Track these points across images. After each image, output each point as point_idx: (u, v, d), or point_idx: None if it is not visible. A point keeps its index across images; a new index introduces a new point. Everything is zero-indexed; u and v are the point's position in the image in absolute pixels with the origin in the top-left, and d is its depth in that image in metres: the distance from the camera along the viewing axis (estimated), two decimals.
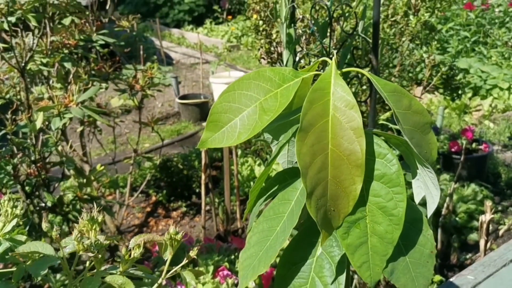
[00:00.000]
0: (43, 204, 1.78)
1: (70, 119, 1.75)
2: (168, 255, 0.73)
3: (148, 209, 2.98)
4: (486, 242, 2.15)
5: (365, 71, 0.69)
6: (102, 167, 1.91)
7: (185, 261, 0.78)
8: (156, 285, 0.77)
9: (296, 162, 0.89)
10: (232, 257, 1.67)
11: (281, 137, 0.85)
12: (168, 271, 0.76)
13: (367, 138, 0.62)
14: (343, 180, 0.62)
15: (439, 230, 2.40)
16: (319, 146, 0.61)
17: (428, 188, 0.69)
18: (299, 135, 0.61)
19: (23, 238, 0.96)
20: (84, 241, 0.63)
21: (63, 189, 2.65)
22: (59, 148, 1.79)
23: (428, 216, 0.70)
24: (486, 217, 2.09)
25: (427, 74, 2.03)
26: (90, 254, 0.64)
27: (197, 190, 3.12)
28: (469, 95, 4.05)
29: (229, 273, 1.53)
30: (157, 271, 1.61)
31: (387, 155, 0.64)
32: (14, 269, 0.92)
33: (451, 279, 1.38)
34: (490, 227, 2.19)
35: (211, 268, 1.55)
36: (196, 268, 1.55)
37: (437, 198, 0.67)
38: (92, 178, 1.83)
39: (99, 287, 0.68)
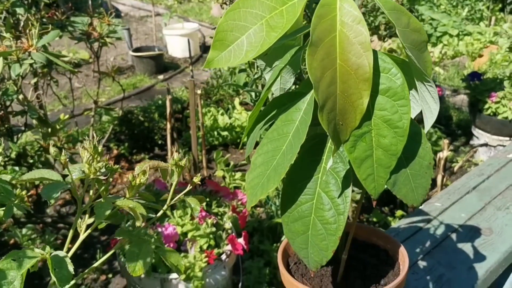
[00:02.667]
0: (7, 156, 1.71)
1: (31, 65, 1.66)
2: (174, 180, 0.73)
3: (111, 162, 2.92)
4: (443, 177, 2.28)
5: None
6: (66, 117, 1.85)
7: (189, 187, 0.79)
8: (160, 212, 0.78)
9: (289, 89, 0.90)
10: (208, 199, 1.69)
11: (275, 62, 0.86)
12: (172, 198, 0.77)
13: (372, 54, 0.64)
14: (350, 94, 0.64)
15: None
16: (328, 61, 0.62)
17: (427, 103, 0.72)
18: (309, 50, 0.61)
19: (7, 177, 0.93)
20: (95, 164, 0.62)
21: (21, 144, 2.54)
22: (20, 97, 1.71)
23: (426, 130, 0.74)
24: (443, 154, 2.21)
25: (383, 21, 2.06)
26: (102, 178, 0.64)
27: (159, 142, 3.09)
28: None
29: (207, 213, 1.56)
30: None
31: (391, 70, 0.66)
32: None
33: (420, 207, 1.46)
34: (445, 166, 2.32)
35: (189, 210, 1.56)
36: (175, 211, 1.56)
37: (436, 111, 0.70)
38: (57, 127, 1.77)
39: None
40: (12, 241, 2.19)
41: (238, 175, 2.53)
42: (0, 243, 2.18)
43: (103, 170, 0.65)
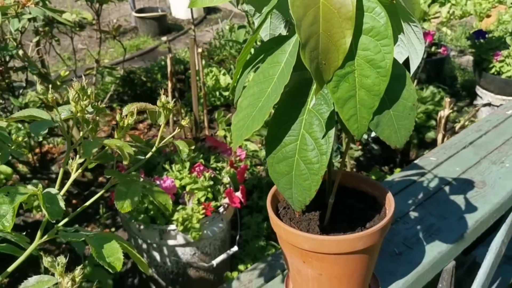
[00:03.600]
0: (9, 112, 1.73)
1: (29, 20, 1.66)
2: (162, 121, 0.75)
3: (114, 122, 2.95)
4: (444, 136, 2.28)
5: None
6: (67, 73, 1.86)
7: (177, 130, 0.80)
8: (149, 154, 0.80)
9: (279, 34, 0.90)
10: (207, 155, 1.71)
11: (264, 8, 0.85)
12: (160, 141, 0.78)
13: None
14: (333, 33, 0.64)
15: None
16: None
17: (412, 44, 0.72)
18: None
19: (4, 124, 0.95)
20: (82, 102, 0.64)
21: (23, 100, 2.57)
22: (20, 52, 1.71)
23: (412, 72, 0.74)
24: (445, 112, 2.21)
25: None
26: (88, 116, 0.65)
27: None
28: (429, 2, 4.08)
29: (205, 168, 1.58)
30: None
31: (375, 9, 0.66)
32: None
33: (415, 161, 1.48)
34: (447, 126, 2.32)
35: (187, 164, 1.59)
36: (173, 165, 1.59)
37: (421, 52, 0.71)
38: (58, 83, 1.78)
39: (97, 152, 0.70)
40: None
41: None
42: None
43: (90, 109, 0.66)
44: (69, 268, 0.66)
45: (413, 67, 0.73)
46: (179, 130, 0.80)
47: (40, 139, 0.68)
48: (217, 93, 3.01)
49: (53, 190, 0.68)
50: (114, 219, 2.09)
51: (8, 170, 2.17)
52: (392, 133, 0.72)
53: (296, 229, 0.88)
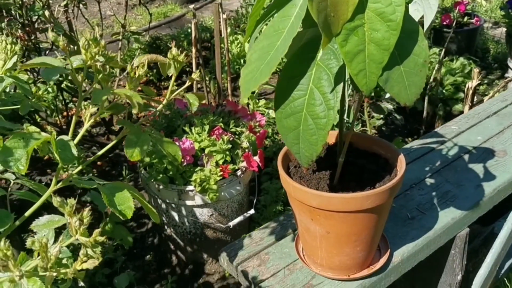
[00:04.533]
0: (36, 72, 1.78)
1: None
2: (172, 72, 0.76)
3: (139, 87, 2.99)
4: (470, 108, 2.22)
5: None
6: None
7: (188, 84, 0.81)
8: (160, 106, 0.81)
9: None
10: (226, 119, 1.72)
11: None
12: (172, 92, 0.79)
13: None
14: None
15: (425, 101, 2.47)
16: None
17: (427, 0, 0.70)
18: None
19: (25, 77, 0.98)
20: (91, 50, 0.65)
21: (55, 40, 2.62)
22: (46, 13, 1.74)
23: (426, 27, 0.72)
24: (472, 84, 2.15)
25: None
26: (98, 64, 0.66)
27: (187, 69, 3.11)
28: None
29: (224, 131, 1.59)
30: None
31: None
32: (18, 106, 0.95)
33: (436, 129, 1.45)
34: (476, 98, 2.26)
35: (206, 127, 1.60)
36: (193, 128, 1.60)
37: (435, 7, 0.69)
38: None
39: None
40: (46, 157, 2.32)
41: (262, 102, 2.54)
42: (35, 158, 2.30)
43: (101, 58, 0.68)
44: (92, 225, 0.68)
45: (427, 22, 0.71)
46: (189, 83, 0.80)
47: (51, 83, 0.69)
48: (242, 60, 3.00)
49: (66, 137, 0.71)
50: (137, 181, 2.14)
51: (37, 130, 2.23)
52: (402, 90, 0.71)
53: (305, 186, 0.89)
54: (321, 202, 0.84)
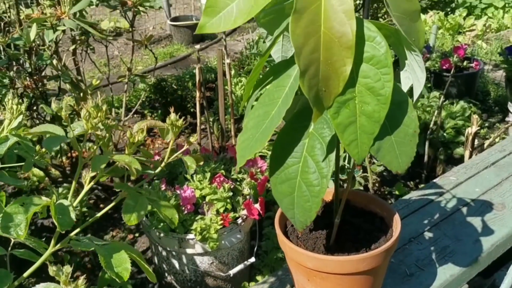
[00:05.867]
0: (42, 118, 1.82)
1: (64, 31, 1.74)
2: (170, 138, 0.78)
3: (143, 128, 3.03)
4: (471, 154, 2.24)
5: None
6: (98, 82, 1.93)
7: (186, 146, 0.83)
8: (158, 169, 0.83)
9: (289, 57, 0.92)
10: (228, 165, 1.74)
11: (275, 31, 0.88)
12: (170, 156, 0.82)
13: (357, 23, 0.65)
14: (334, 61, 0.66)
15: (427, 145, 2.48)
16: (312, 28, 0.64)
17: (415, 72, 0.73)
18: (293, 17, 0.63)
19: (29, 135, 1.00)
20: (92, 121, 0.68)
21: (58, 107, 2.67)
22: (54, 62, 1.80)
23: (415, 99, 0.75)
24: (472, 129, 2.17)
25: None
26: (98, 133, 0.69)
27: (192, 110, 3.16)
28: (464, 14, 4.01)
29: (225, 179, 1.61)
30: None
31: (376, 38, 0.67)
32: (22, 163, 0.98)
33: (434, 180, 1.46)
34: (476, 142, 2.27)
35: (208, 175, 1.62)
36: (194, 175, 1.62)
37: (423, 80, 0.71)
38: (89, 92, 1.86)
39: (108, 167, 0.74)
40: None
41: None
42: None
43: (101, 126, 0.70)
44: (93, 270, 0.70)
45: (416, 94, 0.74)
46: (187, 146, 0.83)
47: (52, 153, 0.73)
48: (246, 102, 3.05)
49: (66, 202, 0.73)
50: (138, 224, 2.15)
51: (41, 173, 2.26)
52: (393, 159, 0.73)
53: (302, 247, 0.90)
54: (316, 264, 0.85)
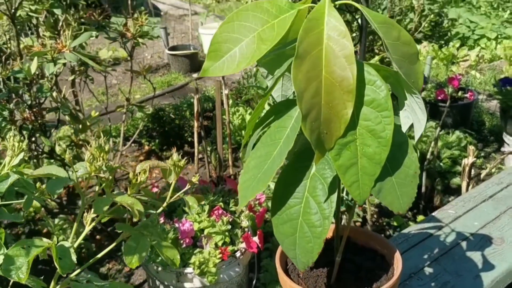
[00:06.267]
0: (40, 150, 1.82)
1: (64, 64, 1.76)
2: (172, 179, 0.79)
3: (142, 158, 3.03)
4: (468, 184, 2.24)
5: (357, 4, 0.73)
6: (97, 113, 1.94)
7: (187, 187, 0.84)
8: (160, 209, 0.83)
9: (290, 96, 0.94)
10: (226, 197, 1.74)
11: (276, 71, 0.89)
12: (171, 196, 0.82)
13: (358, 66, 0.67)
14: (335, 105, 0.67)
15: (424, 175, 2.49)
16: (313, 73, 0.65)
17: (415, 114, 0.74)
18: (295, 62, 0.65)
19: (29, 171, 1.01)
20: (96, 163, 0.68)
21: (56, 139, 2.67)
22: (54, 94, 1.81)
23: (416, 140, 0.76)
24: (468, 160, 2.18)
25: (415, 19, 2.05)
26: (102, 175, 0.69)
27: (189, 139, 3.17)
28: (457, 45, 4.08)
29: (224, 212, 1.61)
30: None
31: (376, 82, 0.69)
32: (22, 200, 0.97)
33: (433, 213, 1.47)
34: (473, 172, 2.28)
35: (206, 208, 1.61)
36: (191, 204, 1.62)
37: (424, 121, 0.73)
38: (88, 123, 1.86)
39: (110, 207, 0.74)
40: (45, 230, 2.31)
41: None
42: (34, 231, 2.30)
43: (104, 168, 0.71)
44: None
45: (417, 135, 0.75)
46: (189, 186, 0.83)
47: (55, 196, 0.72)
48: (243, 132, 3.06)
49: (67, 244, 0.72)
50: None
51: (37, 204, 2.25)
52: (395, 200, 0.73)
53: (303, 286, 0.89)
54: None
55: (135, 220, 0.72)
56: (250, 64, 0.68)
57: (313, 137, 0.66)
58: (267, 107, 1.10)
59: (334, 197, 0.73)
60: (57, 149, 0.70)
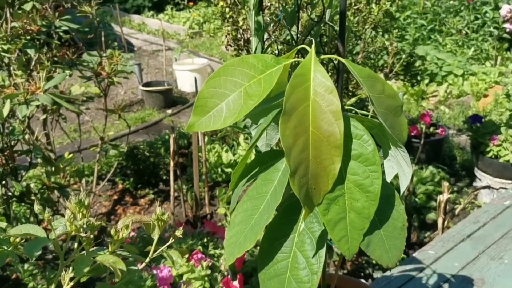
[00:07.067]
0: (11, 193, 1.75)
1: (37, 106, 1.72)
2: (155, 235, 0.76)
3: (115, 197, 2.96)
4: (444, 220, 2.27)
5: (342, 59, 0.74)
6: (71, 155, 1.90)
7: (171, 241, 0.81)
8: (142, 265, 0.80)
9: (273, 145, 0.93)
10: (205, 240, 1.71)
11: (260, 120, 0.89)
12: (154, 251, 0.79)
13: (345, 121, 0.67)
14: (323, 160, 0.66)
15: None
16: (301, 128, 0.65)
17: (401, 166, 0.74)
18: (282, 118, 0.64)
19: (3, 225, 0.96)
20: (76, 222, 0.65)
21: (26, 179, 2.60)
22: (26, 136, 1.76)
23: (402, 193, 0.76)
24: (443, 197, 2.21)
25: (390, 61, 2.11)
26: (83, 235, 0.66)
27: (164, 177, 3.13)
28: (426, 81, 4.21)
29: (203, 256, 1.57)
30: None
31: (363, 136, 0.69)
32: None
33: (413, 254, 1.47)
34: (447, 207, 2.32)
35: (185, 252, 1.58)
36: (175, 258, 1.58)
37: (409, 175, 0.73)
38: (61, 166, 1.82)
39: (90, 266, 0.71)
40: (14, 276, 2.21)
41: None
42: (2, 277, 2.20)
43: (85, 226, 0.68)
44: None
45: (402, 188, 0.75)
46: (173, 240, 0.80)
47: (33, 258, 0.68)
48: (219, 169, 3.05)
49: None
50: None
51: None
52: (384, 253, 0.72)
53: None
54: None
55: (116, 279, 0.69)
56: (237, 119, 0.67)
57: (302, 193, 0.65)
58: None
59: (323, 252, 0.72)
60: (36, 208, 0.67)
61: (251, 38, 1.80)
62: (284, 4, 1.98)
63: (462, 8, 5.24)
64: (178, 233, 0.81)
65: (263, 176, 0.76)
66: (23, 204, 1.88)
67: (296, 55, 0.98)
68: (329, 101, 0.66)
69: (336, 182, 0.68)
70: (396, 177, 0.81)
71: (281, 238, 0.75)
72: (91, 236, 0.69)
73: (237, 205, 0.78)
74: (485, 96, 3.91)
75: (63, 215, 2.10)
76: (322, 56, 0.73)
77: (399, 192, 0.76)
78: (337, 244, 0.70)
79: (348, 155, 0.69)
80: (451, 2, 5.34)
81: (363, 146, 0.69)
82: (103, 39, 3.97)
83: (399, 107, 0.75)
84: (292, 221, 0.75)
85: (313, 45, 0.70)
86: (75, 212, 0.67)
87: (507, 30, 4.79)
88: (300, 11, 1.69)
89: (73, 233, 0.67)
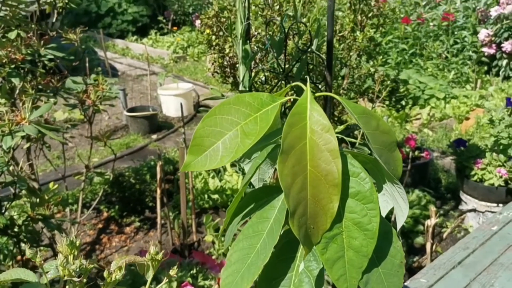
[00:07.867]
0: None
1: (22, 137, 1.69)
2: (149, 276, 0.74)
3: (100, 225, 2.91)
4: (432, 245, 2.27)
5: (337, 96, 0.74)
6: (56, 186, 1.86)
7: (165, 281, 0.79)
8: None
9: (266, 180, 0.93)
10: (194, 271, 1.68)
11: (253, 155, 0.89)
12: None
13: (342, 159, 0.67)
14: (321, 199, 0.66)
15: None
16: (299, 167, 0.65)
17: (397, 202, 0.74)
18: (280, 157, 0.64)
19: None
20: (69, 266, 0.63)
21: (9, 208, 2.54)
22: (10, 168, 1.73)
23: (398, 228, 0.76)
24: (431, 222, 2.22)
25: (376, 89, 2.14)
26: (75, 279, 0.65)
27: (150, 204, 3.09)
28: (410, 104, 4.27)
29: (193, 287, 1.54)
30: None
31: (360, 174, 0.69)
32: None
33: (405, 283, 1.46)
34: (434, 231, 2.33)
35: (174, 284, 1.55)
36: (160, 284, 1.55)
37: (406, 211, 0.73)
38: (46, 197, 1.78)
39: None
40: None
41: None
42: None
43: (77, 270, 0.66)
44: None
45: (399, 224, 0.75)
46: (166, 281, 0.79)
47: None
48: (206, 196, 3.02)
49: None
50: None
51: None
52: None
53: None
54: None
55: None
56: (234, 159, 0.67)
57: (301, 233, 0.65)
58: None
59: None
60: (27, 253, 0.65)
61: (237, 66, 1.81)
62: (271, 33, 2.01)
63: (441, 32, 5.37)
64: (173, 272, 0.79)
65: (259, 214, 0.75)
66: (7, 237, 1.83)
67: (288, 89, 0.99)
68: (326, 139, 0.66)
69: (334, 220, 0.67)
70: (390, 212, 0.81)
71: (279, 277, 0.74)
72: (84, 280, 0.67)
73: (232, 243, 0.76)
74: (467, 118, 3.98)
75: (46, 246, 2.04)
76: (317, 94, 0.74)
77: (395, 228, 0.75)
78: (335, 282, 0.69)
79: (345, 193, 0.68)
80: (431, 27, 5.47)
81: (360, 184, 0.69)
82: (87, 64, 3.97)
83: (393, 143, 0.75)
84: (289, 259, 0.74)
85: (308, 83, 0.70)
86: (67, 255, 0.65)
87: (486, 53, 4.92)
88: (287, 40, 1.71)
89: (65, 278, 0.65)
